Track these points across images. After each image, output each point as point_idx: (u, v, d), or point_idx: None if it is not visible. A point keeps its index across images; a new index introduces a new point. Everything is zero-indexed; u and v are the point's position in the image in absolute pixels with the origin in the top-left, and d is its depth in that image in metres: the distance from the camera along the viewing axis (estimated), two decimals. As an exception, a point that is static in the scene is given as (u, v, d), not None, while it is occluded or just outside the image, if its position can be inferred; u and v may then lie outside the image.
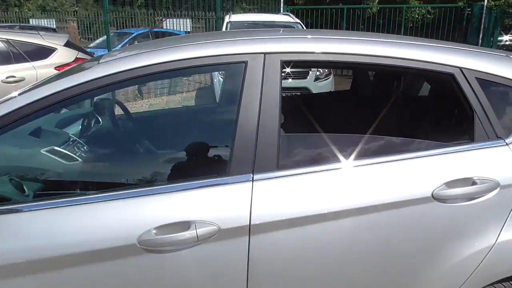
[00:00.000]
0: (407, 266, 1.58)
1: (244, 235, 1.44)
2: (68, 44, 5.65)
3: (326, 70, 6.53)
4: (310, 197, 1.48)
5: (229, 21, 7.56)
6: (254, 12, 15.95)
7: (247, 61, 1.54)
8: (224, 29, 7.40)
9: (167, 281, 1.46)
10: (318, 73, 6.40)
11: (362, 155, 1.56)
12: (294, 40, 1.73)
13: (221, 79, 5.74)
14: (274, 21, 7.77)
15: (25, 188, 1.63)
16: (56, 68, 5.31)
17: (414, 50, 1.69)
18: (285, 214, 1.45)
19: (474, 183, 1.54)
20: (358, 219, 1.50)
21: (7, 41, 5.12)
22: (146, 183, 1.60)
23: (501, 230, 1.58)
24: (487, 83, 1.65)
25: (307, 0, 31.32)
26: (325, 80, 6.38)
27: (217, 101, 5.21)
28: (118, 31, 14.20)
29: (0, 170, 1.65)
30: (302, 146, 1.62)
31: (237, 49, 1.55)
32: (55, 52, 5.38)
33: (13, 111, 1.44)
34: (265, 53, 1.55)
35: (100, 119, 2.11)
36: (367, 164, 1.53)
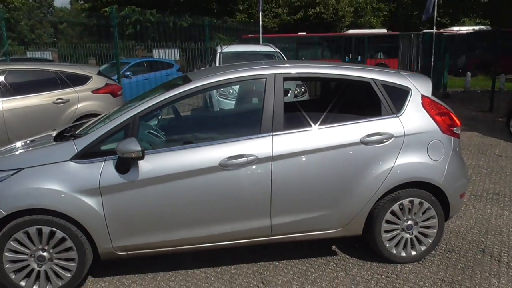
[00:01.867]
0: (350, 179, 3.11)
1: (269, 161, 2.96)
2: (99, 73, 7.12)
3: (303, 89, 8.19)
4: (297, 142, 3.01)
5: (221, 51, 9.19)
6: (232, 41, 17.74)
7: (266, 77, 3.11)
8: (218, 58, 8.99)
9: (231, 184, 2.94)
10: (296, 92, 8.03)
11: (325, 123, 3.12)
12: (286, 67, 3.29)
13: (220, 99, 7.31)
14: (258, 51, 9.44)
15: (149, 145, 3.13)
16: (92, 91, 6.75)
17: (351, 71, 3.29)
18: (286, 150, 2.98)
19: (380, 134, 3.11)
20: (324, 154, 3.04)
21: (55, 72, 6.54)
22: (221, 138, 3.07)
23: (396, 159, 3.15)
24: (387, 86, 3.26)
25: (279, 27, 33.64)
26: (302, 97, 8.01)
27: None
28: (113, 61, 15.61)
29: (142, 137, 3.12)
30: (294, 119, 3.16)
31: (262, 72, 3.13)
32: (90, 80, 6.81)
33: (149, 106, 2.95)
34: (275, 74, 3.13)
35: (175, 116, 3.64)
36: (329, 127, 3.09)
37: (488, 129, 8.89)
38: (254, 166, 2.95)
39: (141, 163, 2.85)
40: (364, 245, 3.56)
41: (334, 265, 3.35)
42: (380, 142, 3.13)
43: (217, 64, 8.92)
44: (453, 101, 13.65)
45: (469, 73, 16.61)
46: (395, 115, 3.22)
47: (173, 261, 3.37)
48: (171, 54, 16.71)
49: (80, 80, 6.73)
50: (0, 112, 5.95)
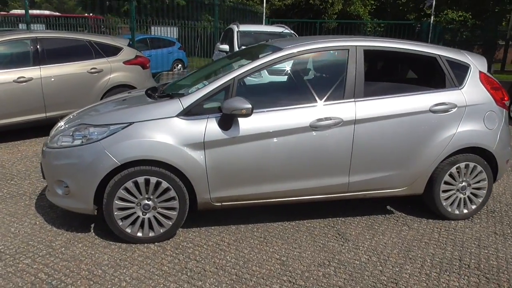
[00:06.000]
0: (419, 142, 3.47)
1: (352, 124, 3.29)
2: (129, 45, 7.22)
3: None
4: (376, 108, 3.35)
5: (239, 30, 9.38)
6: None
7: (348, 49, 3.42)
8: (236, 36, 9.18)
9: (318, 143, 3.26)
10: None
11: (399, 92, 3.46)
12: (366, 41, 3.59)
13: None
14: (274, 31, 9.67)
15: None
16: (123, 62, 6.86)
17: (422, 47, 3.64)
18: (367, 115, 3.32)
19: (445, 104, 3.49)
20: (399, 119, 3.39)
21: (89, 41, 6.62)
22: (311, 103, 3.34)
23: (458, 126, 3.54)
24: (450, 62, 3.63)
25: (271, 13, 33.72)
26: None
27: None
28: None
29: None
30: (373, 88, 3.48)
31: (345, 43, 3.43)
32: (122, 51, 6.91)
33: (247, 70, 3.22)
34: (356, 46, 3.44)
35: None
36: (403, 96, 3.44)
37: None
38: (339, 128, 3.28)
39: (241, 121, 3.12)
40: (416, 205, 3.97)
41: (395, 221, 3.74)
42: (445, 111, 3.51)
43: (235, 42, 9.10)
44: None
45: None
46: (458, 88, 3.60)
47: (250, 216, 3.68)
48: (169, 32, 16.59)
49: (113, 50, 6.83)
50: (38, 80, 6.00)
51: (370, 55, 3.52)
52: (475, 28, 29.05)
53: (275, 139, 3.19)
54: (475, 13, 30.25)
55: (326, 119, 3.25)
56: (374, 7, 37.86)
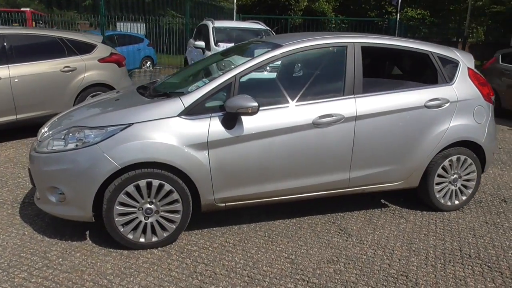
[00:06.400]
0: (415, 137, 3.55)
1: (353, 120, 3.31)
2: (103, 42, 6.95)
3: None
4: (376, 104, 3.39)
5: (214, 26, 9.25)
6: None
7: (347, 46, 3.43)
8: (211, 32, 9.05)
9: (321, 140, 3.26)
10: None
11: (396, 88, 3.52)
12: (363, 37, 3.61)
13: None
14: (249, 27, 9.62)
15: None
16: (98, 60, 6.58)
17: (414, 44, 3.71)
18: (367, 111, 3.35)
19: (439, 100, 3.58)
20: (397, 115, 3.45)
21: (60, 38, 6.30)
22: (312, 100, 3.32)
23: (450, 121, 3.64)
24: (442, 59, 3.73)
25: (238, 8, 33.62)
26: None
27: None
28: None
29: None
30: (371, 84, 3.51)
31: (343, 40, 3.44)
32: (96, 48, 6.62)
33: (248, 67, 3.16)
34: (354, 43, 3.46)
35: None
36: (400, 92, 3.50)
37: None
38: (340, 125, 3.29)
39: (245, 119, 3.07)
40: (408, 198, 4.06)
41: (392, 214, 3.81)
42: (439, 106, 3.60)
43: (211, 38, 8.97)
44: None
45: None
46: (449, 84, 3.70)
47: (251, 215, 3.63)
48: (136, 29, 16.10)
49: (86, 48, 6.54)
50: (6, 79, 5.65)
51: (367, 51, 3.55)
52: (432, 25, 30.22)
53: (278, 137, 3.16)
54: (432, 11, 31.49)
55: (328, 116, 3.26)
56: (338, 3, 38.60)
